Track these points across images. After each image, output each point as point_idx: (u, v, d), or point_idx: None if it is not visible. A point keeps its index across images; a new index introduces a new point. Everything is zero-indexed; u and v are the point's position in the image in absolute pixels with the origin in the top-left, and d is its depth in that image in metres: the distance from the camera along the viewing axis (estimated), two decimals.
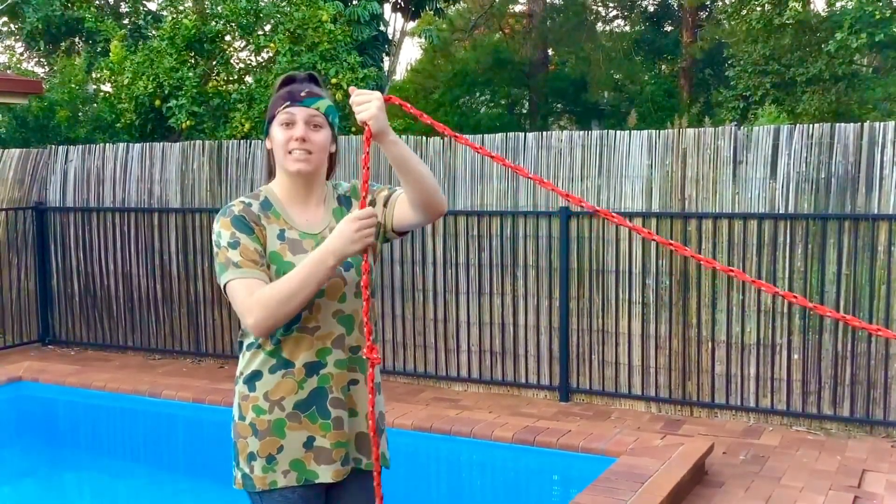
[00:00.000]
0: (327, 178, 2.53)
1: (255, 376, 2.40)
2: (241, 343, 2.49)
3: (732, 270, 2.01)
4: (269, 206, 2.41)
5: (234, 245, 2.33)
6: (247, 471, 2.41)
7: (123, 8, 17.23)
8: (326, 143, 2.44)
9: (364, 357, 2.35)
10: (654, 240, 2.41)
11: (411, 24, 23.87)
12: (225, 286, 2.34)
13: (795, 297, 1.91)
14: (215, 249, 2.37)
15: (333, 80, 10.66)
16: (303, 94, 2.40)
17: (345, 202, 2.52)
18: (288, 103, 2.39)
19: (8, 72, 15.26)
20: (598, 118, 24.86)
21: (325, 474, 2.41)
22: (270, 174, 2.51)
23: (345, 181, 2.61)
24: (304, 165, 2.38)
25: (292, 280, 2.27)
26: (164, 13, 12.22)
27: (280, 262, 2.36)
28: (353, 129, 11.10)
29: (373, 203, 2.48)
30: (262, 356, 2.39)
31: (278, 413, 2.38)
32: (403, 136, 6.98)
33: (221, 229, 2.36)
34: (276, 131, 2.39)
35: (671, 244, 2.10)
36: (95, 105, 13.42)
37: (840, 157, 5.58)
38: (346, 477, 2.44)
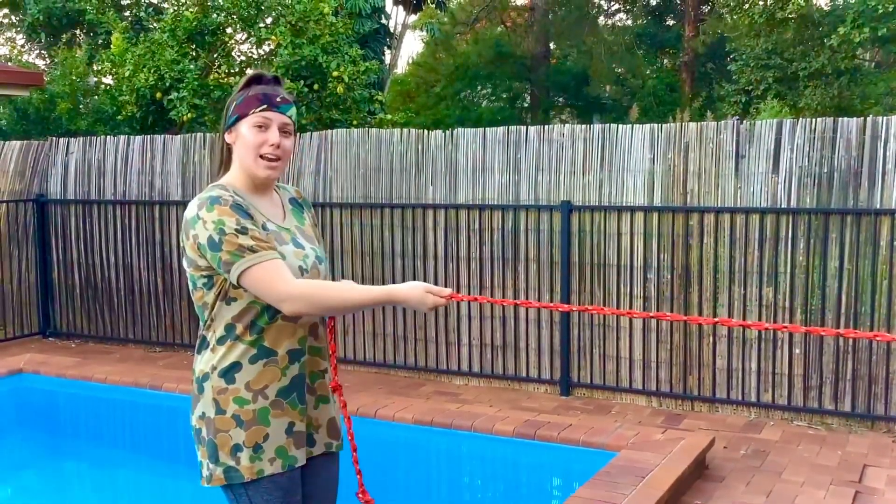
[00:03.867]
0: None
1: (233, 368, 2.39)
2: (202, 339, 2.45)
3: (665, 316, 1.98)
4: (243, 199, 2.42)
5: (242, 231, 2.31)
6: (231, 463, 2.40)
7: (125, 0, 17.21)
8: (292, 148, 2.52)
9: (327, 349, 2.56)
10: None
11: (413, 18, 23.86)
12: (243, 272, 2.29)
13: (790, 327, 1.89)
14: (215, 237, 2.30)
15: (335, 73, 10.65)
16: (279, 99, 2.45)
17: (298, 207, 2.63)
18: (265, 107, 2.43)
19: (9, 64, 15.25)
20: (599, 112, 24.85)
21: (301, 458, 2.48)
22: (224, 166, 2.53)
23: (288, 184, 2.76)
24: (273, 172, 2.46)
25: (351, 296, 2.35)
26: (166, 5, 12.21)
27: None
28: (355, 122, 11.09)
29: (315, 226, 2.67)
30: (242, 347, 2.39)
31: (262, 402, 2.40)
32: (405, 130, 6.97)
33: (223, 217, 2.31)
34: (248, 132, 2.43)
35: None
36: (96, 97, 13.41)
37: (842, 152, 5.56)
38: (312, 458, 2.53)
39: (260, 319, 2.38)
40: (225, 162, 2.53)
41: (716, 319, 2.31)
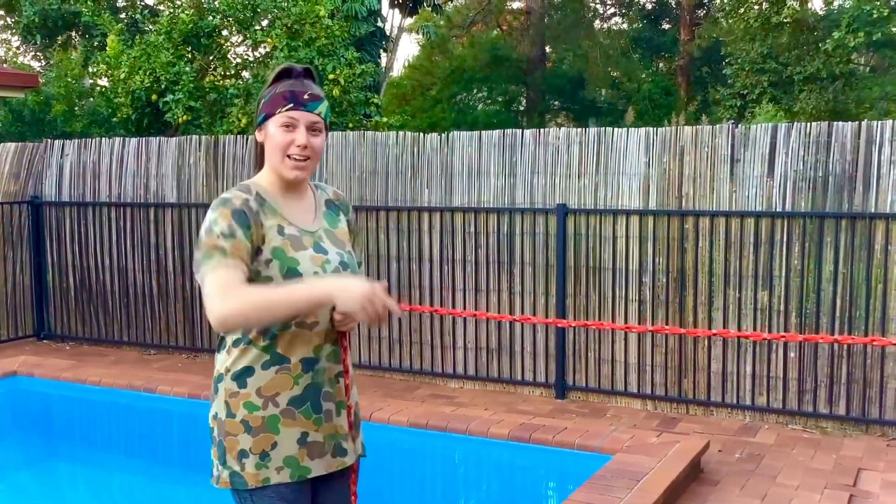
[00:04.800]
0: None
1: (245, 372, 2.36)
2: (221, 339, 2.43)
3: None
4: (263, 202, 2.37)
5: (228, 236, 2.25)
6: (237, 468, 2.37)
7: (120, 2, 17.20)
8: (323, 146, 2.44)
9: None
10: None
11: (409, 21, 23.86)
12: (204, 271, 2.22)
13: (788, 336, 1.90)
14: (203, 236, 2.27)
15: (331, 76, 10.64)
16: (306, 96, 2.37)
17: (334, 209, 2.54)
18: (291, 105, 2.35)
19: (4, 65, 15.23)
20: (595, 115, 24.87)
21: (318, 468, 2.41)
22: (259, 164, 2.49)
23: (327, 184, 2.63)
24: (301, 173, 2.38)
25: (280, 298, 2.20)
26: (162, 7, 12.20)
27: (283, 258, 2.33)
28: (350, 125, 11.09)
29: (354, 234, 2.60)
30: (255, 352, 2.36)
31: (272, 409, 2.35)
32: (401, 133, 6.98)
33: (220, 218, 2.27)
34: (275, 132, 2.36)
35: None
36: (92, 99, 13.39)
37: (837, 156, 5.58)
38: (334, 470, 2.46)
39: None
40: (259, 159, 2.48)
41: (714, 332, 2.29)
